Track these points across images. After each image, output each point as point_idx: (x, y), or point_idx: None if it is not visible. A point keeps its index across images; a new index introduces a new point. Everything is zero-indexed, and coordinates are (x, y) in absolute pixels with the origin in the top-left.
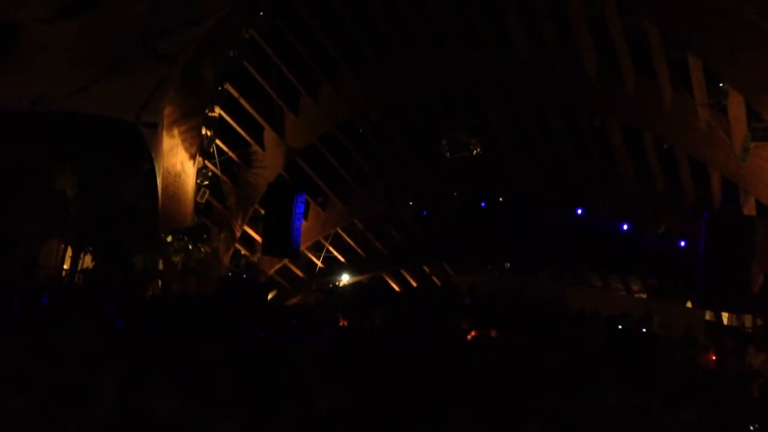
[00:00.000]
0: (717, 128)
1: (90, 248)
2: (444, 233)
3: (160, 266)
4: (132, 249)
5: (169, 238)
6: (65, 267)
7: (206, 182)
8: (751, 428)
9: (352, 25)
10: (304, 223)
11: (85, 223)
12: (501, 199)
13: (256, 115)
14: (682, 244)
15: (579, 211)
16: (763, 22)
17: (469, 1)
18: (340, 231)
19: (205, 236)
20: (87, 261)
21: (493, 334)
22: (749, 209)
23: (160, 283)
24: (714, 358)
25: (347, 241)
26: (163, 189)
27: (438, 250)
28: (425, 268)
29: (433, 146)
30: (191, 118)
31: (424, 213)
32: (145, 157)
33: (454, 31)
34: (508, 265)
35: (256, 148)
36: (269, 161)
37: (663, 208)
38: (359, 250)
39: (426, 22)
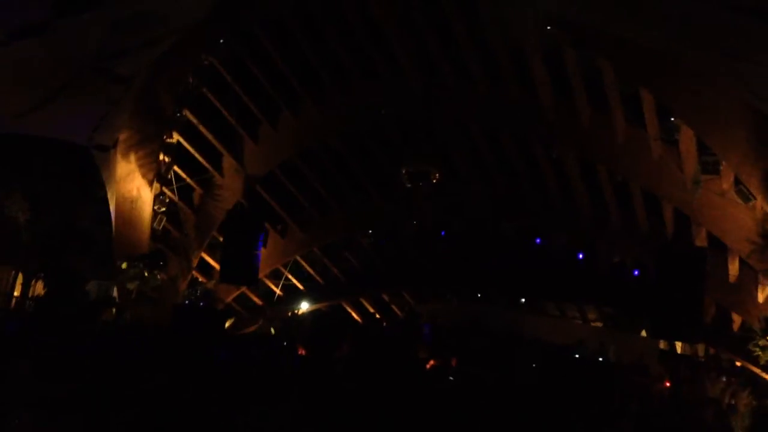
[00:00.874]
0: (669, 162)
1: (42, 275)
2: (403, 261)
3: (115, 293)
4: (85, 276)
5: (124, 265)
6: (15, 294)
7: (163, 209)
8: None
9: (312, 54)
10: (263, 250)
11: (37, 249)
12: (458, 228)
13: (215, 142)
14: (636, 273)
15: (537, 241)
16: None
17: (426, 33)
18: (299, 258)
19: (161, 263)
20: (39, 288)
21: (453, 363)
22: (701, 240)
23: (114, 311)
24: (668, 385)
25: (306, 269)
26: (117, 215)
27: (397, 278)
28: (384, 296)
29: (392, 174)
30: (148, 143)
31: (381, 242)
32: (99, 182)
33: (411, 62)
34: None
35: (214, 175)
36: (228, 188)
37: (618, 239)
38: (318, 278)
39: (384, 53)
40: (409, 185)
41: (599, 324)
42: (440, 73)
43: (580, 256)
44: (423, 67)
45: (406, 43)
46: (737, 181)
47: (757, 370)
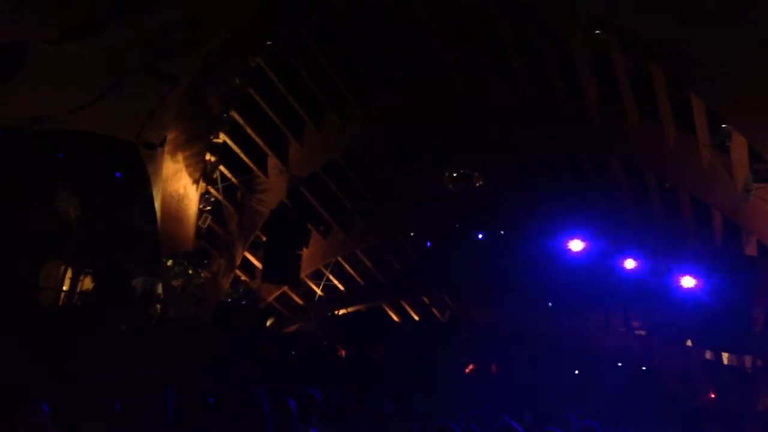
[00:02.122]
0: (719, 168)
1: (90, 270)
2: (445, 265)
3: (160, 290)
4: (132, 272)
5: (170, 262)
6: (64, 288)
7: (208, 207)
8: None
9: (359, 57)
10: (304, 250)
11: (86, 245)
12: (502, 233)
13: (260, 143)
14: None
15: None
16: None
17: (473, 38)
18: (340, 260)
19: (205, 261)
20: (87, 283)
21: (494, 370)
22: (751, 250)
23: (158, 308)
24: (713, 396)
25: (347, 270)
26: (164, 212)
27: (438, 281)
28: (425, 299)
29: (435, 178)
30: (195, 143)
31: (428, 244)
32: (147, 180)
33: (458, 69)
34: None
35: (259, 175)
36: (272, 188)
37: (666, 247)
38: (359, 279)
39: (431, 59)
40: (451, 188)
41: (643, 332)
42: (487, 80)
43: (628, 264)
44: (469, 74)
45: (452, 47)
46: None
47: None
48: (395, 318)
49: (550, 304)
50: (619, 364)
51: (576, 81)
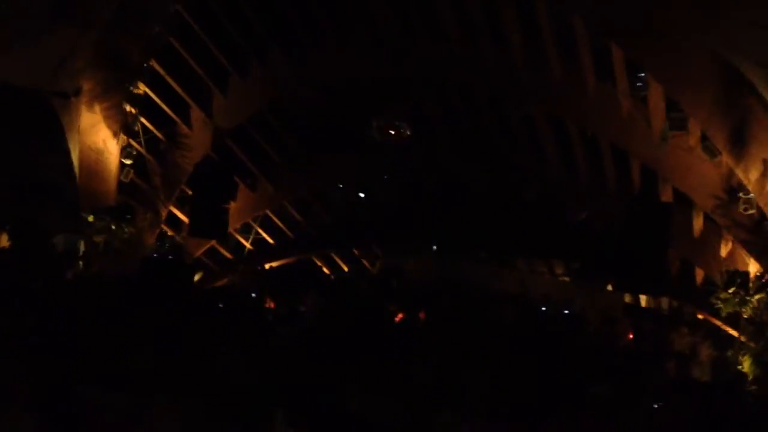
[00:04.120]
0: (638, 117)
1: (6, 227)
2: (374, 215)
3: (82, 247)
4: (51, 229)
5: (91, 218)
6: None
7: (130, 161)
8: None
9: (284, 4)
10: (232, 204)
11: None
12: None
13: (182, 93)
14: (606, 229)
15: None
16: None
17: None
18: (269, 213)
19: (128, 216)
20: (3, 241)
21: (422, 316)
22: (667, 196)
23: (81, 264)
24: (631, 338)
25: (276, 223)
26: (82, 166)
27: (367, 232)
28: (355, 251)
29: (363, 129)
30: (113, 94)
31: (351, 196)
32: (62, 133)
33: (386, 18)
34: (435, 248)
35: (182, 127)
36: (196, 141)
37: (586, 195)
38: (288, 233)
39: (359, 8)
40: (379, 138)
41: (566, 278)
42: (416, 33)
43: (550, 212)
44: (398, 26)
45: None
46: (704, 137)
47: (719, 323)
48: (326, 270)
49: (477, 252)
50: (543, 309)
51: (502, 31)
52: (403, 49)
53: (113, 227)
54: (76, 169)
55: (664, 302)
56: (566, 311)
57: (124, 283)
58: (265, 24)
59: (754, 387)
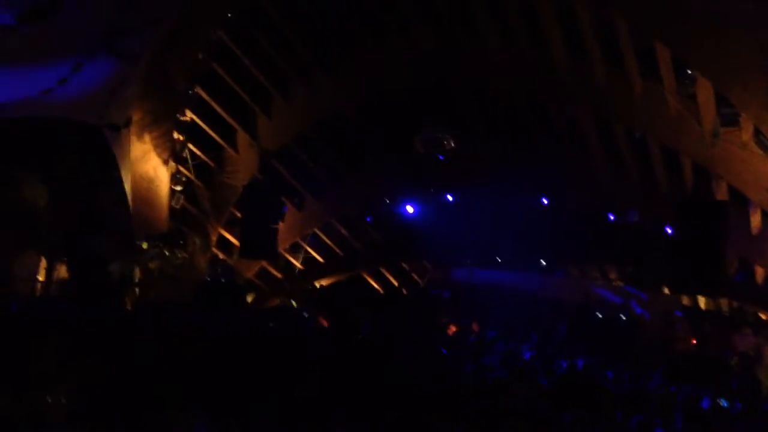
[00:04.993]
0: (687, 115)
1: (64, 258)
2: (421, 229)
3: (137, 274)
4: (107, 257)
5: (145, 245)
6: (40, 278)
7: (180, 187)
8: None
9: (322, 24)
10: (281, 224)
11: (58, 233)
12: (471, 194)
13: (228, 118)
14: (659, 231)
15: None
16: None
17: None
18: (317, 231)
19: (181, 242)
20: (62, 272)
21: (475, 328)
22: (721, 194)
23: (137, 291)
24: (694, 342)
25: (325, 241)
26: (135, 195)
27: (416, 246)
28: (404, 265)
29: (407, 144)
30: (162, 122)
31: (405, 210)
32: (115, 163)
33: (423, 29)
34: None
35: (229, 150)
36: (243, 163)
37: (637, 197)
38: (338, 250)
39: (396, 20)
40: (422, 151)
41: (620, 283)
42: (454, 40)
43: (602, 216)
44: (435, 35)
45: (417, 9)
46: (757, 132)
47: None
48: (376, 286)
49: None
50: (599, 315)
51: (542, 35)
52: (441, 59)
53: (166, 253)
54: (129, 198)
55: (724, 303)
56: (622, 316)
57: (179, 308)
58: (304, 44)
59: None
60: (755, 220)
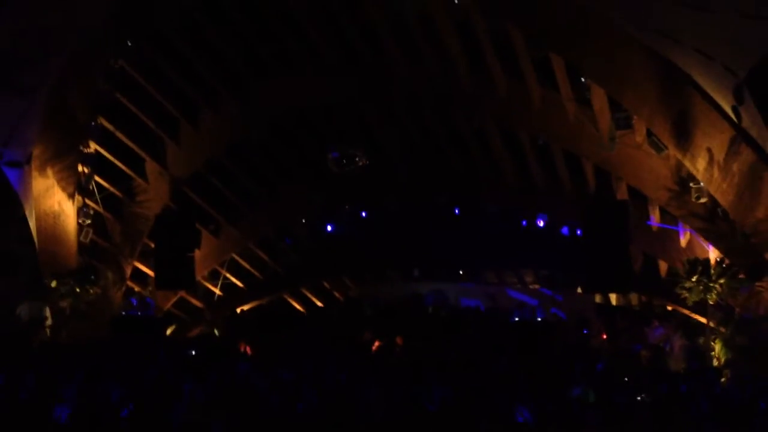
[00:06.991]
0: (584, 120)
1: None
2: (339, 246)
3: (47, 314)
4: (14, 298)
5: (54, 283)
6: None
7: (88, 221)
8: (639, 398)
9: (227, 49)
10: (197, 252)
11: None
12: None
13: (135, 148)
14: (565, 232)
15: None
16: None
17: (340, 17)
18: (235, 256)
19: (92, 277)
20: None
21: (399, 341)
22: (622, 194)
23: (48, 332)
24: (605, 337)
25: (244, 266)
26: (40, 232)
27: (336, 264)
28: (325, 284)
29: (319, 162)
30: (65, 155)
31: (326, 229)
32: (18, 201)
33: (329, 51)
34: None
35: (138, 180)
36: (154, 193)
37: (545, 201)
38: (257, 274)
39: (302, 44)
40: (336, 170)
41: (537, 286)
42: (359, 58)
43: (511, 222)
44: (340, 54)
45: (319, 29)
46: (649, 133)
47: (687, 312)
48: (299, 307)
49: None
50: (516, 319)
51: (445, 50)
52: (349, 78)
53: (77, 290)
54: (35, 236)
55: (634, 299)
56: (539, 318)
57: (94, 346)
58: (210, 70)
59: (726, 371)
60: (655, 216)
